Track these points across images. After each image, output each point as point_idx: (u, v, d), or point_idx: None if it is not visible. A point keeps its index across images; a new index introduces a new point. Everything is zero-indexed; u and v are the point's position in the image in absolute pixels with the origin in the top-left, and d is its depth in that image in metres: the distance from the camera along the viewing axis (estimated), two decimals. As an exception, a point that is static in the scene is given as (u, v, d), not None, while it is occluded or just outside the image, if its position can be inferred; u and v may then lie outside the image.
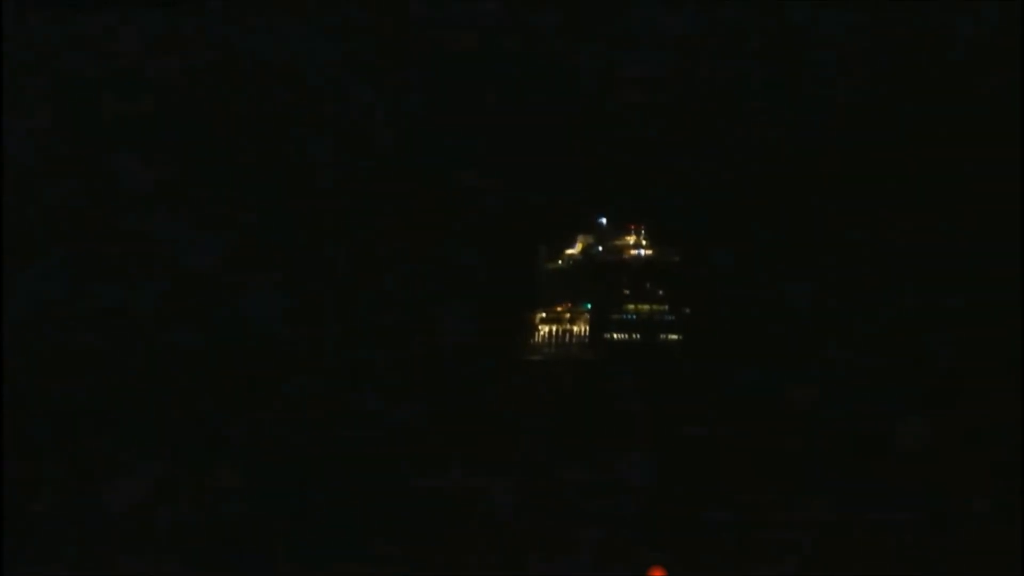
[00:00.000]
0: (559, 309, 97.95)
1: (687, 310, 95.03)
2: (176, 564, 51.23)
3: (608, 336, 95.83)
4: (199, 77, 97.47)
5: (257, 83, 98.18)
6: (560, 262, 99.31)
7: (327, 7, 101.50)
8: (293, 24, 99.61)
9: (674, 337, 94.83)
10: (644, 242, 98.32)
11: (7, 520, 54.93)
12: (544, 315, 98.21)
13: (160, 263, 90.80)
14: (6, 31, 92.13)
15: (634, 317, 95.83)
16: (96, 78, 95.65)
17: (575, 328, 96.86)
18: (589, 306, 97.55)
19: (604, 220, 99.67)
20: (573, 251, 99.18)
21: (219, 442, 70.47)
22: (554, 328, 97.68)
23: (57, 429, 71.24)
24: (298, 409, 78.52)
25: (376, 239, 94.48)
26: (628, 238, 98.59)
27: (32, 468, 63.51)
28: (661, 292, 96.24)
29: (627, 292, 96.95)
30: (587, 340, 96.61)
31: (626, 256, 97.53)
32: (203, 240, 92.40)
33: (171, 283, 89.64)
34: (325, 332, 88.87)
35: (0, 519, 54.96)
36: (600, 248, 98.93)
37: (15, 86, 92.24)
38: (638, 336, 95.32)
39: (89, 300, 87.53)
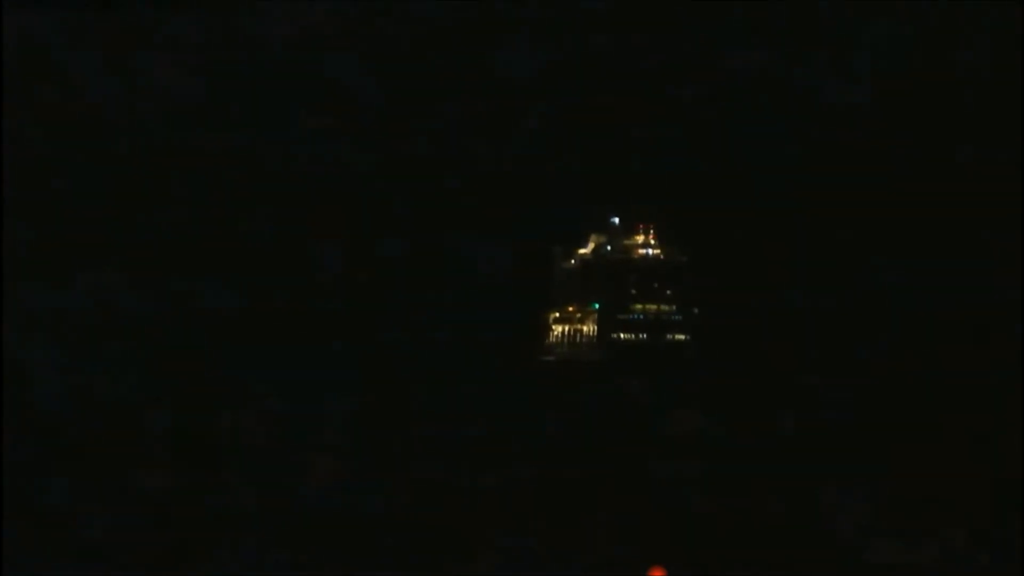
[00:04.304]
0: (571, 309, 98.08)
1: (695, 310, 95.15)
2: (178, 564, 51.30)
3: (616, 336, 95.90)
4: (199, 76, 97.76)
5: (260, 82, 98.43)
6: (573, 262, 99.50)
7: (341, 5, 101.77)
8: (301, 21, 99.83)
9: (682, 337, 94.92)
10: (653, 242, 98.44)
11: (7, 520, 55.09)
12: (557, 315, 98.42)
13: (161, 263, 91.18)
14: (6, 31, 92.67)
15: (642, 317, 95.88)
16: (96, 78, 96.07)
17: (585, 328, 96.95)
18: (597, 306, 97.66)
19: (616, 220, 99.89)
20: (585, 251, 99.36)
21: (225, 442, 70.67)
22: (566, 328, 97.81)
23: (57, 428, 71.54)
24: (311, 407, 78.84)
25: (394, 241, 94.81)
26: (638, 238, 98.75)
27: (32, 468, 63.68)
28: (669, 292, 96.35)
29: (635, 292, 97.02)
30: (595, 340, 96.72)
31: (636, 256, 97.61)
32: (206, 239, 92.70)
33: (171, 283, 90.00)
34: (344, 330, 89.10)
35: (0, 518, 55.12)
36: (610, 248, 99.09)
37: (15, 86, 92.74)
38: (646, 336, 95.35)
39: (89, 299, 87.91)
